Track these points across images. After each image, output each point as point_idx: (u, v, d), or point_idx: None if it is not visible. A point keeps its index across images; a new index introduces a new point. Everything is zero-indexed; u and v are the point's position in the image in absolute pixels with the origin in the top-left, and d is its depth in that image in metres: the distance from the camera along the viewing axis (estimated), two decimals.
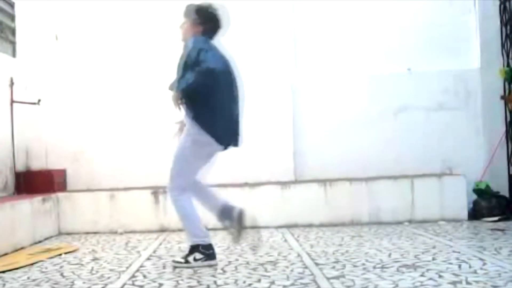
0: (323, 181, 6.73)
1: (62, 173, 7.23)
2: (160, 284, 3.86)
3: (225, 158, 7.14)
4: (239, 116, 4.64)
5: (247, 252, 4.98)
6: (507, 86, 7.08)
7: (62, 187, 7.11)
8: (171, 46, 7.29)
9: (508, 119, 7.10)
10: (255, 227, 4.80)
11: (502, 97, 7.10)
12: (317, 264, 4.35)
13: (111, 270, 4.45)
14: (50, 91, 7.31)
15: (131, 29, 7.38)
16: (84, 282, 4.04)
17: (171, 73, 7.25)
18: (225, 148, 4.59)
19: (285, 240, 5.63)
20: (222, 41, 7.28)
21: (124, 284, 3.93)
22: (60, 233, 6.61)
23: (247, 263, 4.50)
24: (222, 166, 7.12)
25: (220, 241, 5.67)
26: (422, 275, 3.83)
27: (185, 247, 5.41)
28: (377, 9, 7.32)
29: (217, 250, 5.14)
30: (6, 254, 5.20)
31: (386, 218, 6.58)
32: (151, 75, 7.32)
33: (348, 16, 7.32)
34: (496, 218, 6.45)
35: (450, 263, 4.19)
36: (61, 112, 7.34)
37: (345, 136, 7.19)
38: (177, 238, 5.99)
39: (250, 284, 3.76)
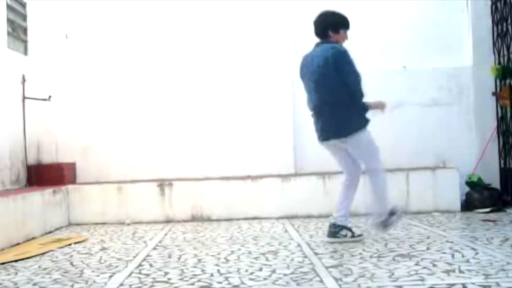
0: (322, 174, 6.71)
1: (72, 166, 7.22)
2: (166, 273, 3.85)
3: (228, 152, 7.22)
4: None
5: (249, 242, 4.97)
6: (498, 83, 7.06)
7: (72, 179, 7.10)
8: (176, 43, 7.35)
9: (499, 114, 7.08)
10: None
11: (494, 94, 7.08)
12: (316, 254, 4.33)
13: (118, 259, 4.44)
14: (60, 88, 7.30)
15: (138, 27, 7.37)
16: (93, 271, 4.03)
17: (175, 71, 7.32)
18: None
19: (286, 231, 5.61)
20: (226, 37, 7.32)
21: (131, 272, 3.92)
22: (70, 224, 6.60)
23: (249, 252, 4.49)
24: (225, 160, 7.19)
25: (223, 232, 5.67)
26: (417, 264, 3.82)
27: (189, 237, 5.42)
28: (373, 8, 7.29)
29: (220, 240, 5.16)
30: (18, 244, 5.19)
31: None
32: (157, 72, 7.32)
33: (346, 14, 7.27)
34: (487, 210, 6.42)
35: (444, 253, 4.18)
36: (71, 108, 7.33)
37: None
38: (182, 229, 5.99)
39: (252, 273, 3.75)
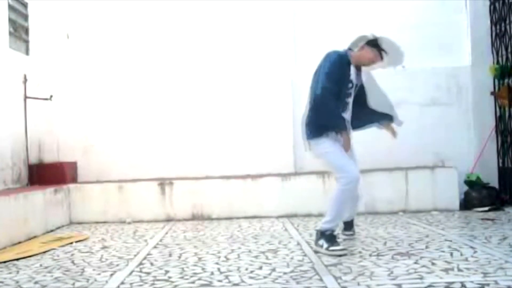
0: (321, 173, 6.71)
1: (73, 165, 7.22)
2: (166, 271, 3.85)
3: (228, 151, 7.22)
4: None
5: (249, 241, 4.97)
6: (496, 83, 7.06)
7: (73, 178, 7.10)
8: (177, 44, 7.35)
9: (498, 114, 7.08)
10: None
11: (492, 93, 7.08)
12: (315, 252, 4.33)
13: (119, 258, 4.44)
14: (61, 88, 7.30)
15: (139, 28, 7.36)
16: (94, 269, 4.03)
17: (176, 71, 7.32)
18: None
19: (285, 229, 5.61)
20: (226, 38, 7.32)
21: (132, 271, 3.92)
22: (71, 223, 6.60)
23: (249, 251, 4.49)
24: (225, 159, 7.19)
25: (223, 230, 5.67)
26: (415, 263, 3.82)
27: (190, 236, 5.42)
28: (373, 8, 7.28)
29: (220, 238, 5.16)
30: (19, 242, 5.20)
31: (382, 208, 6.57)
32: (158, 72, 7.32)
33: (346, 14, 7.27)
34: (486, 208, 6.43)
35: (443, 251, 4.18)
36: (72, 108, 7.33)
37: None
38: (182, 227, 5.99)
39: (252, 271, 3.75)
